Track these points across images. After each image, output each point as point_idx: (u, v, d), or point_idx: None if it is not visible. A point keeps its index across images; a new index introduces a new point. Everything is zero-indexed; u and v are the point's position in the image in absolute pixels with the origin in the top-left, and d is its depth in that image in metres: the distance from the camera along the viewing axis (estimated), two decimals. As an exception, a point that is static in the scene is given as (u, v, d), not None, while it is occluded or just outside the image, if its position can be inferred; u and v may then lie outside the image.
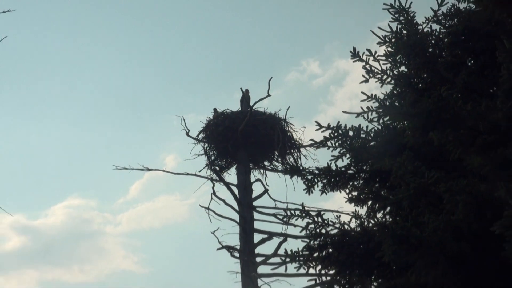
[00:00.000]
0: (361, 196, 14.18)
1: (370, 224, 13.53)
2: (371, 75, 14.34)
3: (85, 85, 49.46)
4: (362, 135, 13.96)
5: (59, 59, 49.15)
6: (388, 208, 13.63)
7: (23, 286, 46.90)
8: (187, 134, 27.76)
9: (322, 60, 49.15)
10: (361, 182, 14.31)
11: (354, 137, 13.97)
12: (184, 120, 27.65)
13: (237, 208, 27.07)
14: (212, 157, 28.08)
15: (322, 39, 50.17)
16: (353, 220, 13.96)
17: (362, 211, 14.20)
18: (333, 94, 49.83)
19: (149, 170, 27.78)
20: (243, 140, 27.30)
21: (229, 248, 26.65)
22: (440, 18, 14.63)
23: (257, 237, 26.88)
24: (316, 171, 14.30)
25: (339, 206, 39.96)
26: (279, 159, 27.98)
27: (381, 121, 13.99)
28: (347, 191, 14.34)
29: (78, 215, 48.52)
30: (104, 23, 49.24)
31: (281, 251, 25.95)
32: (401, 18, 14.40)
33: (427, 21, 14.61)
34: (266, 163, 28.16)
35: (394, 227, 11.51)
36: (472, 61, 13.82)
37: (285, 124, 27.85)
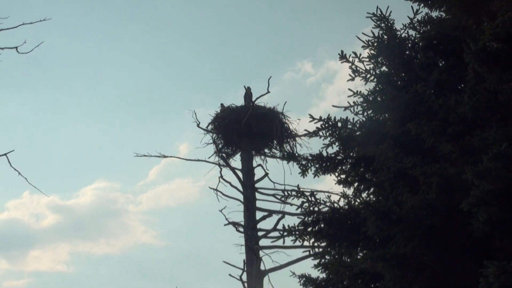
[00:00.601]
0: (349, 179, 14.21)
1: (356, 203, 13.56)
2: (356, 74, 14.40)
3: (110, 83, 49.43)
4: (349, 126, 13.99)
5: (89, 61, 49.10)
6: (372, 189, 13.65)
7: (57, 257, 46.99)
8: (198, 125, 27.76)
9: (315, 61, 49.05)
10: (348, 166, 14.32)
11: (342, 128, 13.99)
12: (195, 113, 27.67)
13: (241, 189, 27.09)
14: (220, 146, 28.05)
15: (315, 43, 50.06)
16: (342, 199, 13.99)
17: (350, 191, 14.24)
18: (324, 90, 49.71)
19: (165, 157, 27.80)
20: (246, 131, 27.29)
21: (235, 224, 26.66)
22: (416, 25, 14.68)
23: (258, 214, 26.90)
24: (309, 157, 14.33)
25: (329, 187, 39.95)
26: (278, 147, 27.96)
27: (365, 114, 14.03)
28: (336, 174, 14.36)
29: (105, 196, 48.53)
30: (125, 29, 49.18)
31: (279, 227, 26.09)
32: (382, 25, 14.44)
33: (404, 28, 14.66)
34: (266, 150, 28.15)
35: (377, 205, 11.54)
36: (443, 62, 13.84)
37: (283, 117, 27.82)
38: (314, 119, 13.92)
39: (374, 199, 13.29)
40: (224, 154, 27.98)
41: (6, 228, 46.62)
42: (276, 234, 26.28)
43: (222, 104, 28.26)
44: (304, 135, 26.13)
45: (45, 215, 49.13)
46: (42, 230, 47.74)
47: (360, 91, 13.74)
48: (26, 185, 12.37)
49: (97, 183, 49.32)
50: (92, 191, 48.08)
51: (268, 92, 26.97)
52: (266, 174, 27.39)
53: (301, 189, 14.00)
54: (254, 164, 27.70)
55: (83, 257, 46.65)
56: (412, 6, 14.63)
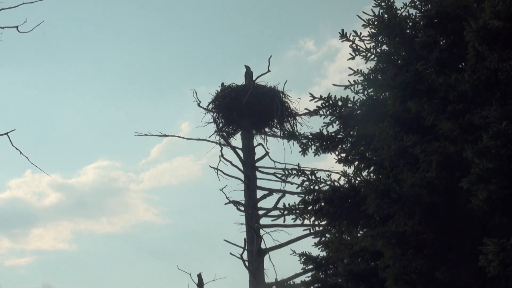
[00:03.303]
0: (349, 157, 14.22)
1: (357, 181, 13.58)
2: (357, 53, 14.37)
3: (112, 62, 49.41)
4: (349, 105, 13.99)
5: (90, 41, 49.02)
6: (372, 167, 13.66)
7: (59, 235, 47.14)
8: (199, 105, 27.73)
9: (317, 39, 48.95)
10: (348, 145, 14.33)
11: (342, 107, 13.99)
12: (196, 92, 27.63)
13: (242, 168, 27.12)
14: (220, 125, 28.04)
15: (317, 21, 49.95)
16: (342, 178, 14.02)
17: (350, 170, 14.26)
18: (326, 68, 49.65)
19: (166, 136, 27.80)
20: (247, 110, 27.26)
21: (235, 203, 26.70)
22: (416, 3, 14.60)
23: (259, 193, 26.94)
24: (310, 136, 14.33)
25: (330, 166, 40.13)
26: (278, 126, 27.95)
27: (365, 92, 14.02)
28: (337, 153, 14.37)
29: (106, 174, 48.60)
30: (126, 9, 49.05)
31: (280, 205, 26.14)
32: (383, 3, 14.40)
33: (405, 6, 14.59)
34: (267, 129, 28.13)
35: (377, 183, 11.56)
36: (444, 40, 13.81)
37: (283, 96, 27.79)
38: (314, 98, 13.91)
39: (374, 177, 13.30)
40: (224, 133, 27.98)
41: (8, 206, 46.75)
42: (276, 212, 26.34)
43: (222, 83, 28.23)
44: (305, 114, 26.14)
45: (47, 193, 49.27)
46: (44, 209, 47.89)
47: (361, 70, 13.72)
48: (28, 164, 12.41)
49: (99, 161, 49.45)
50: (94, 170, 48.17)
51: (269, 71, 26.97)
52: (267, 153, 27.42)
53: (301, 168, 14.03)
54: (255, 143, 27.72)
55: (85, 235, 46.83)
56: (413, -15, 14.57)
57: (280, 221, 25.65)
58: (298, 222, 14.10)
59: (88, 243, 47.02)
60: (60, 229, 47.45)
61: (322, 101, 13.95)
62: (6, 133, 12.28)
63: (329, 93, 13.91)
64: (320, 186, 13.66)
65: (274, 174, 27.01)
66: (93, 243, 47.00)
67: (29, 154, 12.26)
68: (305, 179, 13.73)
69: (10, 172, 50.04)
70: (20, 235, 47.70)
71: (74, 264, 45.00)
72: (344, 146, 14.35)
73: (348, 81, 14.16)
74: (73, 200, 48.16)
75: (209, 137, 27.77)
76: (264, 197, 26.86)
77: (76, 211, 48.39)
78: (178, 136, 28.66)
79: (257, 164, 27.32)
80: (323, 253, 16.20)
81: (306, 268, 17.46)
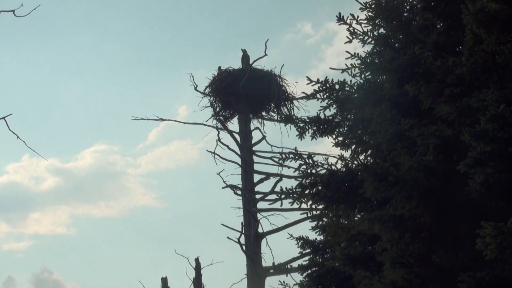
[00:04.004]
0: (346, 141, 14.22)
1: (354, 165, 13.60)
2: (354, 36, 14.34)
3: (109, 47, 49.32)
4: (346, 88, 13.98)
5: (86, 25, 48.97)
6: (369, 151, 13.67)
7: (57, 219, 47.22)
8: (195, 89, 27.66)
9: (314, 22, 48.88)
10: (346, 129, 14.33)
11: (340, 90, 13.99)
12: (193, 77, 27.59)
13: (239, 152, 27.11)
14: (217, 109, 27.99)
15: (315, 4, 49.88)
16: (339, 161, 14.04)
17: (347, 154, 14.27)
18: (323, 52, 49.60)
19: (163, 120, 27.78)
20: (244, 94, 27.21)
21: (233, 187, 26.73)
22: (414, -14, 14.58)
23: (256, 177, 26.94)
24: (307, 120, 14.33)
25: (327, 150, 40.11)
26: (275, 110, 27.91)
27: (363, 76, 14.01)
28: (334, 136, 14.38)
29: (104, 158, 48.62)
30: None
31: (277, 189, 26.15)
32: (380, -14, 14.36)
33: (402, -11, 14.56)
34: (264, 113, 28.09)
35: (375, 167, 11.55)
36: (441, 24, 13.77)
37: (280, 80, 27.75)
38: (311, 81, 13.90)
39: (371, 161, 13.31)
40: (221, 117, 27.95)
41: (6, 191, 46.82)
42: (273, 196, 26.38)
43: (219, 67, 28.18)
44: (302, 97, 25.92)
45: (44, 178, 49.30)
46: (42, 193, 47.93)
47: (358, 53, 13.70)
48: (26, 148, 12.39)
49: (96, 146, 49.45)
50: (92, 154, 48.19)
51: (266, 55, 26.93)
52: (264, 137, 27.43)
53: (298, 152, 14.02)
54: (252, 127, 27.71)
55: (83, 219, 46.92)
56: (410, -33, 14.51)
57: (277, 205, 25.73)
58: (295, 206, 14.14)
59: (86, 227, 47.15)
60: (58, 213, 47.55)
61: (319, 85, 13.94)
62: (3, 118, 12.22)
63: (326, 77, 13.92)
64: (317, 170, 13.67)
65: (271, 158, 27.03)
66: (91, 227, 47.13)
67: (26, 138, 12.23)
68: (302, 163, 13.73)
69: (7, 156, 50.11)
70: (18, 219, 47.82)
71: (72, 248, 45.14)
72: (341, 129, 14.35)
73: (345, 64, 14.16)
74: (71, 184, 48.22)
75: (206, 121, 27.78)
76: (261, 181, 26.88)
77: (74, 195, 48.47)
78: (175, 121, 28.71)
79: (254, 148, 27.32)
80: (320, 237, 16.22)
81: (303, 252, 17.48)
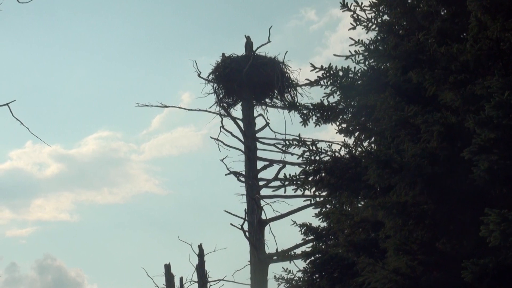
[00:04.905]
0: (350, 128, 14.21)
1: (358, 152, 13.59)
2: (358, 23, 14.30)
3: (112, 33, 49.24)
4: (350, 75, 13.95)
5: (90, 11, 48.88)
6: (373, 138, 13.65)
7: (60, 206, 47.30)
8: (199, 75, 27.64)
9: (318, 8, 48.74)
10: (349, 115, 14.31)
11: (343, 77, 13.95)
12: (196, 63, 27.56)
13: (242, 139, 27.10)
14: (221, 95, 27.98)
15: (319, -11, 49.81)
16: (343, 148, 14.04)
17: (351, 141, 14.26)
18: (327, 38, 49.52)
19: (166, 107, 27.76)
20: (247, 80, 27.18)
21: (236, 174, 26.74)
22: (418, -28, 14.51)
23: (259, 164, 26.95)
24: (310, 107, 14.30)
25: (331, 137, 40.16)
26: (279, 97, 27.87)
27: (367, 62, 13.98)
28: (338, 123, 14.36)
29: (107, 145, 48.64)
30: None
31: (280, 176, 26.14)
32: (384, -28, 14.31)
33: (406, -25, 14.50)
34: (267, 100, 28.06)
35: (378, 154, 11.54)
36: (445, 10, 13.72)
37: (284, 66, 27.71)
38: (315, 68, 13.87)
39: (375, 148, 13.30)
40: (225, 104, 27.93)
41: (9, 177, 46.85)
42: (277, 183, 26.39)
43: (223, 54, 28.13)
44: (305, 84, 26.10)
45: (48, 164, 49.34)
46: (45, 179, 47.99)
47: (362, 40, 13.65)
48: (29, 134, 12.39)
49: (99, 132, 49.45)
50: (95, 140, 48.22)
51: (269, 41, 26.91)
52: (267, 124, 27.41)
53: (302, 138, 14.01)
54: (255, 114, 27.68)
55: (86, 206, 47.00)
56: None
57: (280, 191, 25.76)
58: (299, 192, 14.18)
59: (89, 213, 47.24)
60: (61, 199, 47.61)
61: (323, 72, 13.91)
62: (7, 104, 12.24)
63: (330, 64, 13.87)
64: (321, 156, 13.67)
65: (274, 144, 27.03)
66: (94, 214, 47.22)
67: (29, 124, 12.24)
68: (306, 149, 13.73)
69: (10, 143, 50.18)
70: (21, 205, 47.88)
71: (75, 235, 45.24)
72: (345, 116, 14.33)
73: (349, 51, 14.11)
74: (74, 170, 48.27)
75: (210, 107, 27.76)
76: (264, 167, 26.89)
77: (77, 182, 48.54)
78: (178, 107, 28.70)
79: (258, 134, 27.31)
80: (324, 224, 16.24)
81: (307, 238, 17.52)
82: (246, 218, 25.88)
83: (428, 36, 12.27)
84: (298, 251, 22.29)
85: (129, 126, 48.41)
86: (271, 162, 26.89)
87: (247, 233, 25.75)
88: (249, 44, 28.29)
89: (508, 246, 9.88)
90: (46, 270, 40.49)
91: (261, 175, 26.89)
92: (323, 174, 13.44)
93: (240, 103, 28.02)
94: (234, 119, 27.46)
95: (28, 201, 48.73)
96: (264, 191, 26.55)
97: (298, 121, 14.36)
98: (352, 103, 14.19)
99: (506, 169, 10.33)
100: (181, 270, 26.31)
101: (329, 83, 13.97)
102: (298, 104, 14.54)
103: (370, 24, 14.27)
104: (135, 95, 51.66)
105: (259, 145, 27.19)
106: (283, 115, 27.28)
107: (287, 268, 16.35)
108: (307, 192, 14.41)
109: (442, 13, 13.77)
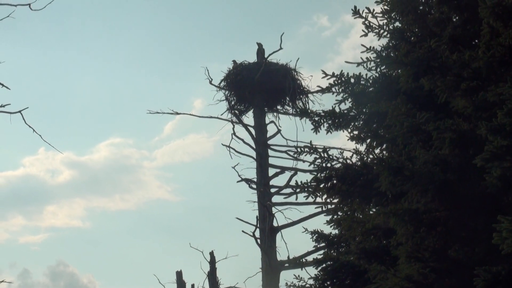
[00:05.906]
0: (361, 135, 14.18)
1: (369, 159, 13.56)
2: (370, 29, 14.28)
3: (124, 40, 49.43)
4: (362, 82, 13.92)
5: (103, 18, 49.07)
6: (385, 145, 13.62)
7: (72, 212, 47.42)
8: (210, 82, 27.69)
9: (331, 15, 48.76)
10: (361, 122, 14.28)
11: (355, 84, 13.93)
12: (208, 70, 27.62)
13: (254, 146, 27.12)
14: (232, 102, 28.01)
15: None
16: (354, 155, 14.02)
17: (362, 148, 14.23)
18: (339, 44, 49.56)
19: (178, 114, 27.83)
20: (259, 87, 27.20)
21: (248, 181, 26.75)
22: (430, -21, 14.49)
23: (271, 171, 26.96)
24: (322, 113, 14.28)
25: (342, 144, 39.99)
26: (290, 104, 27.90)
27: (378, 69, 13.95)
28: (349, 130, 14.32)
29: (119, 151, 48.78)
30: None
31: (292, 183, 26.12)
32: (396, -20, 14.28)
33: (418, -17, 14.47)
34: (279, 107, 28.09)
35: (390, 161, 11.52)
36: (457, 17, 13.69)
37: (295, 73, 27.73)
38: (327, 75, 13.86)
39: (387, 155, 13.28)
40: (236, 111, 27.96)
41: (22, 184, 47.04)
42: (288, 190, 26.37)
43: (234, 61, 28.17)
44: (317, 91, 25.85)
45: (60, 171, 49.50)
46: (58, 186, 48.14)
47: (373, 47, 13.64)
48: (41, 141, 12.46)
49: (111, 139, 49.60)
50: (107, 147, 48.36)
51: (281, 48, 26.93)
52: (279, 131, 27.42)
53: (313, 146, 13.99)
54: (267, 121, 27.71)
55: (98, 212, 47.11)
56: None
57: (292, 198, 25.71)
58: (310, 199, 14.12)
59: (101, 220, 47.33)
60: (73, 206, 47.74)
61: (334, 78, 13.89)
62: (20, 111, 12.33)
63: (342, 70, 13.86)
64: (333, 163, 13.64)
65: (286, 152, 27.04)
66: (106, 220, 47.33)
67: (42, 131, 12.32)
68: (317, 156, 13.71)
69: (23, 149, 50.36)
70: (34, 212, 48.04)
71: (87, 241, 45.33)
72: (356, 123, 14.30)
73: (361, 58, 14.10)
74: (86, 177, 48.39)
75: (221, 114, 27.79)
76: (276, 175, 26.89)
77: (89, 188, 48.67)
78: (190, 114, 28.73)
79: (269, 142, 27.33)
80: (335, 231, 16.19)
81: (318, 246, 17.47)
82: (258, 225, 25.87)
83: (440, 42, 12.25)
84: (310, 258, 22.25)
85: (141, 132, 48.56)
86: (283, 169, 26.89)
87: (258, 240, 25.74)
88: (260, 51, 28.32)
89: (520, 254, 9.83)
90: (58, 276, 40.59)
91: (272, 182, 26.90)
92: (335, 181, 13.41)
93: (251, 110, 28.04)
94: (245, 126, 27.48)
95: (41, 207, 48.89)
96: (275, 198, 26.57)
97: (310, 128, 14.35)
98: (364, 110, 14.16)
99: (518, 176, 10.29)
100: (193, 277, 26.26)
101: (340, 90, 13.95)
102: (309, 111, 14.52)
103: (381, 31, 14.26)
104: (147, 102, 51.80)
105: (270, 152, 27.21)
106: (295, 122, 27.33)
107: (298, 275, 16.31)
108: (318, 199, 14.39)
109: (454, 19, 13.74)
